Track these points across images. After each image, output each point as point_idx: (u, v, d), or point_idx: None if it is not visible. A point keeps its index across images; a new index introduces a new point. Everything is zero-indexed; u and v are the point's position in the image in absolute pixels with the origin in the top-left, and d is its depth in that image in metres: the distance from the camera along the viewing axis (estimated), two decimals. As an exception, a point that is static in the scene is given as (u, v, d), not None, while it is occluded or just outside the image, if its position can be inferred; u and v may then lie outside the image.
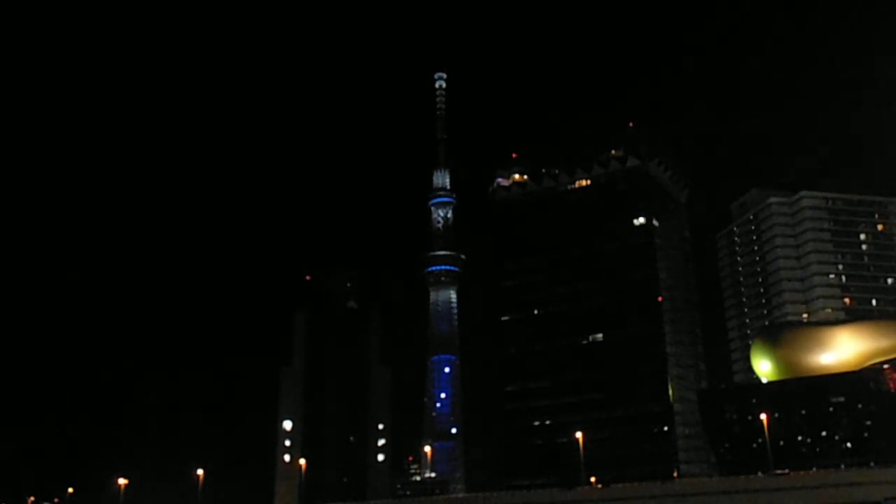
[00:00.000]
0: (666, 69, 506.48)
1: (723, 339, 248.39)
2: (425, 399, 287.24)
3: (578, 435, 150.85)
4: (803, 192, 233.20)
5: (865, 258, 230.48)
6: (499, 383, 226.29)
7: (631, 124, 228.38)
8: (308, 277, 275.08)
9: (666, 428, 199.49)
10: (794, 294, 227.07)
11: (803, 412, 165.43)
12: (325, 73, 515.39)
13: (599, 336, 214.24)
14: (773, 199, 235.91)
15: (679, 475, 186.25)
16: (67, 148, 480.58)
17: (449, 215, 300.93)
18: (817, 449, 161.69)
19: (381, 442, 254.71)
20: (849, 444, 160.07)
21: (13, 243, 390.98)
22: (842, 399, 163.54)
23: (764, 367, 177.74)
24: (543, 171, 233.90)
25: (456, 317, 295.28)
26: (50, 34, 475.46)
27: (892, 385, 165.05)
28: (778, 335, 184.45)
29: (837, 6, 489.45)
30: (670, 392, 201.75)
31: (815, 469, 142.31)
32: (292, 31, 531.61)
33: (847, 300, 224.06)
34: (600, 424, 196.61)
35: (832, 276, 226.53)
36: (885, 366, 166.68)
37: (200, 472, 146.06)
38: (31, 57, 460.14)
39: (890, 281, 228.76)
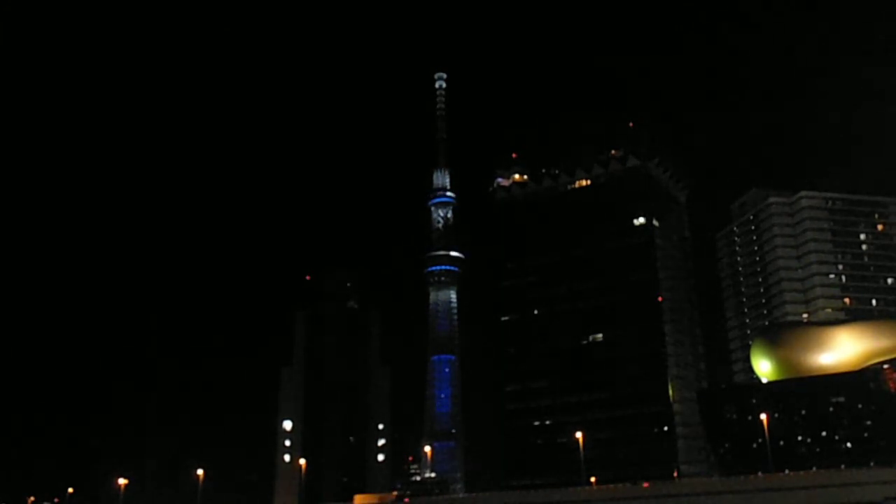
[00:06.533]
0: (666, 69, 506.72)
1: (723, 339, 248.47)
2: (425, 399, 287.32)
3: (578, 435, 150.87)
4: (803, 192, 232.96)
5: (865, 258, 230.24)
6: (499, 383, 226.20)
7: (631, 124, 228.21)
8: (308, 277, 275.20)
9: (666, 428, 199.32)
10: (794, 294, 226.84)
11: (803, 412, 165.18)
12: (326, 73, 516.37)
13: (599, 336, 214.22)
14: (773, 199, 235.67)
15: (679, 475, 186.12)
16: (69, 149, 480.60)
17: (449, 215, 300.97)
18: (817, 449, 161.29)
19: (381, 442, 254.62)
20: (849, 444, 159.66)
21: (14, 244, 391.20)
22: (842, 399, 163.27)
23: (764, 367, 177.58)
24: (543, 171, 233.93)
25: (456, 317, 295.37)
26: (51, 34, 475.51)
27: (892, 385, 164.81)
28: (778, 335, 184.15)
29: (838, 6, 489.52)
30: (670, 392, 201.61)
31: (815, 469, 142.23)
32: (292, 31, 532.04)
33: (847, 300, 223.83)
34: (600, 424, 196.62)
35: (832, 276, 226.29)
36: (885, 366, 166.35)
37: (200, 472, 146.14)
38: (32, 57, 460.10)
39: (890, 281, 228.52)
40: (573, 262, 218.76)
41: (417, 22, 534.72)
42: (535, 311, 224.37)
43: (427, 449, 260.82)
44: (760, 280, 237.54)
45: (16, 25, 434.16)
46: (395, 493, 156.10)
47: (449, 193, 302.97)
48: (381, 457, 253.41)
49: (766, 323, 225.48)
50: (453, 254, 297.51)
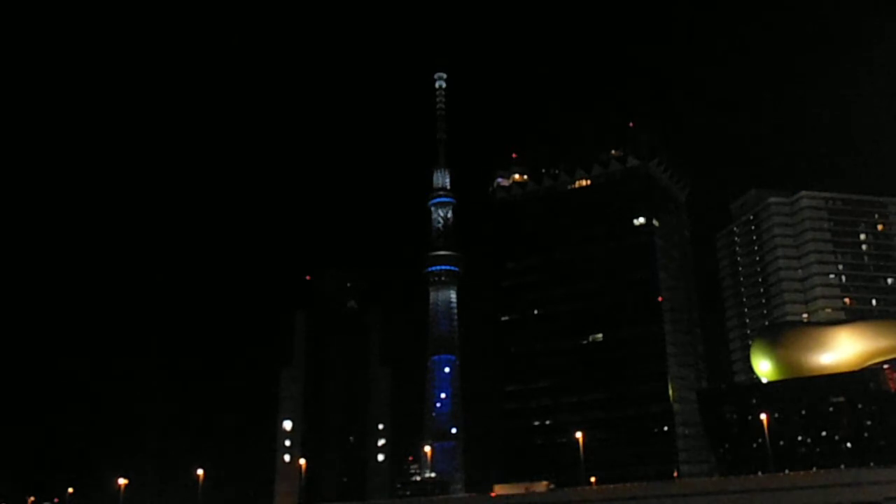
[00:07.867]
0: (666, 69, 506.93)
1: (723, 339, 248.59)
2: (425, 399, 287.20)
3: (578, 435, 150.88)
4: (803, 192, 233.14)
5: (865, 258, 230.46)
6: (499, 383, 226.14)
7: (631, 124, 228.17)
8: (308, 277, 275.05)
9: (666, 428, 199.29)
10: (794, 294, 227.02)
11: (803, 412, 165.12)
12: (326, 73, 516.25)
13: (599, 336, 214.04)
14: (773, 199, 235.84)
15: (679, 475, 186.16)
16: (69, 149, 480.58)
17: (449, 215, 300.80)
18: (817, 449, 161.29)
19: (381, 442, 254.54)
20: (849, 444, 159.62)
21: (15, 244, 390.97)
22: (842, 399, 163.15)
23: (764, 367, 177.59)
24: (543, 171, 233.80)
25: (456, 317, 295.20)
26: (50, 34, 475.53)
27: (892, 385, 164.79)
28: (778, 335, 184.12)
29: (838, 6, 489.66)
30: (670, 392, 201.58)
31: (815, 469, 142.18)
32: (292, 31, 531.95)
33: (847, 300, 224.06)
34: (600, 424, 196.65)
35: (832, 276, 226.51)
36: (885, 366, 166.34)
37: (200, 472, 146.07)
38: (32, 57, 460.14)
39: (890, 281, 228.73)
40: (573, 262, 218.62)
41: (417, 22, 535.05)
42: (535, 311, 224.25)
43: (427, 449, 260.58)
44: (760, 280, 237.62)
45: (15, 25, 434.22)
46: (546, 483, 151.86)
47: (449, 193, 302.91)
48: (381, 457, 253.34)
49: (766, 323, 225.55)
50: (453, 254, 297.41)
